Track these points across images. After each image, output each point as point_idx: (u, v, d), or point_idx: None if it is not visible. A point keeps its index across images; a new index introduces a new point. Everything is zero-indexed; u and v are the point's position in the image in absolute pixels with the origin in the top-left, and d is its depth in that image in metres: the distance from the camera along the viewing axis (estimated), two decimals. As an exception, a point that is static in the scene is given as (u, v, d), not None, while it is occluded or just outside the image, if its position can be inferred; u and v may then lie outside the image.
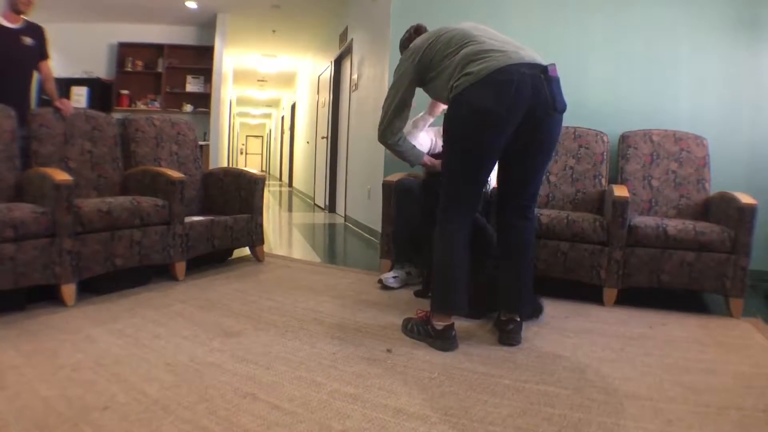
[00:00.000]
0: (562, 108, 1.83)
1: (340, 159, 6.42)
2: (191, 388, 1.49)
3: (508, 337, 1.96)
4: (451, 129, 1.85)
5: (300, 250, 4.08)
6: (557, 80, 1.81)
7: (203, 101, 6.98)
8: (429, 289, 2.55)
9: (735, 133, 3.34)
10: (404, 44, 2.30)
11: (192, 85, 7.08)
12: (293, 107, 11.79)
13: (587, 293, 2.62)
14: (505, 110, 1.73)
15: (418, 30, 2.27)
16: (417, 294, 2.62)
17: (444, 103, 1.95)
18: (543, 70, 1.77)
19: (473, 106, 1.75)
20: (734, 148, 3.32)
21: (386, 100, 2.08)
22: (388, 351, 1.84)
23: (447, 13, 3.63)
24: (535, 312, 2.25)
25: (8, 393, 1.41)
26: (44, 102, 3.51)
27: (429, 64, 1.94)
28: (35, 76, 3.23)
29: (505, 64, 1.73)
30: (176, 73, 7.01)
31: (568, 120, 3.25)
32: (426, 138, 2.72)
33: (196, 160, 3.46)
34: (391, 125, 2.09)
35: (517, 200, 1.99)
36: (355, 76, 5.49)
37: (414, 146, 2.27)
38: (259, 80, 12.31)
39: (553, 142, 1.90)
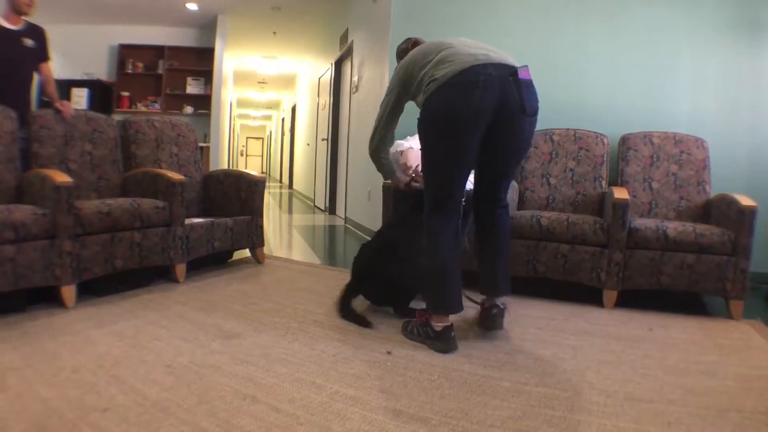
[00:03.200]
0: (532, 111, 1.85)
1: (341, 161, 6.42)
2: (191, 390, 1.49)
3: (493, 322, 2.04)
4: (424, 133, 1.88)
5: (300, 251, 4.07)
6: (528, 83, 1.82)
7: (204, 103, 6.99)
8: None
9: (735, 135, 3.34)
10: (399, 54, 2.36)
11: (192, 87, 7.09)
12: (293, 109, 11.80)
13: (587, 295, 2.62)
14: (473, 111, 1.75)
15: (416, 44, 2.31)
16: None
17: None
18: (512, 72, 1.78)
19: (440, 108, 1.77)
20: (734, 150, 3.32)
21: (378, 115, 2.13)
22: (388, 353, 1.84)
23: (447, 15, 3.63)
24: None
25: (8, 394, 1.41)
26: (45, 103, 3.51)
27: (411, 77, 1.97)
28: (36, 77, 3.23)
29: (470, 65, 1.75)
30: (177, 75, 7.02)
31: (569, 122, 3.30)
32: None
33: (197, 162, 3.46)
34: (383, 139, 2.17)
35: (491, 192, 2.07)
36: (355, 78, 5.49)
37: (392, 163, 2.31)
38: (259, 82, 12.32)
39: (524, 145, 1.95)
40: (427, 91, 1.82)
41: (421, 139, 1.91)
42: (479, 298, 2.15)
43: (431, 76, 1.82)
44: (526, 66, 1.81)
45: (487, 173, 2.03)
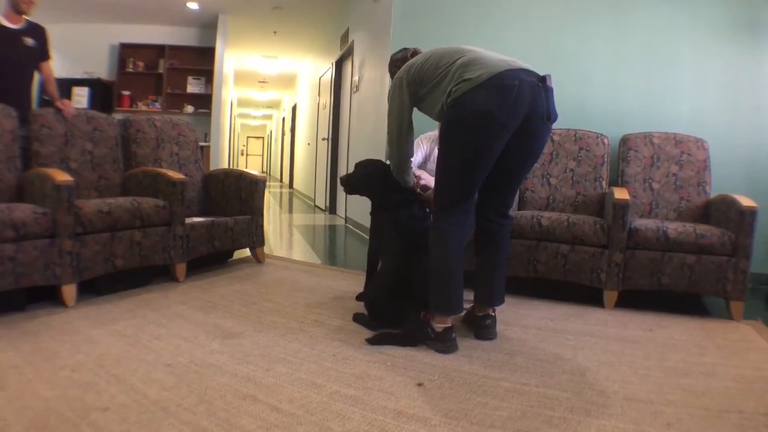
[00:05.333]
0: (555, 118, 1.88)
1: (341, 160, 6.42)
2: (191, 389, 1.49)
3: (487, 332, 2.04)
4: (450, 132, 1.85)
5: (300, 251, 4.07)
6: (552, 91, 1.85)
7: (204, 102, 6.99)
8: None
9: (735, 136, 3.34)
10: (396, 63, 2.32)
11: (193, 86, 7.09)
12: (294, 109, 11.80)
13: (587, 296, 2.62)
14: (506, 115, 1.74)
15: (415, 53, 2.28)
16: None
17: (437, 119, 1.96)
18: (541, 79, 1.80)
19: (474, 109, 1.75)
20: (735, 151, 3.32)
21: (391, 133, 2.06)
22: (389, 353, 1.84)
23: (448, 14, 3.63)
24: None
25: (8, 393, 1.41)
26: (45, 102, 3.51)
27: (422, 78, 1.93)
28: (36, 76, 3.23)
29: (504, 69, 1.75)
30: (177, 74, 7.02)
31: (570, 122, 3.29)
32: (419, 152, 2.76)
33: (197, 161, 3.46)
34: (407, 156, 2.12)
35: (499, 199, 2.05)
36: (356, 78, 5.49)
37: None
38: (260, 81, 12.32)
39: (541, 150, 1.98)
40: (456, 92, 1.77)
41: (445, 137, 1.86)
42: (469, 303, 2.14)
43: (460, 76, 1.78)
44: (549, 75, 1.82)
45: (499, 180, 1.98)
